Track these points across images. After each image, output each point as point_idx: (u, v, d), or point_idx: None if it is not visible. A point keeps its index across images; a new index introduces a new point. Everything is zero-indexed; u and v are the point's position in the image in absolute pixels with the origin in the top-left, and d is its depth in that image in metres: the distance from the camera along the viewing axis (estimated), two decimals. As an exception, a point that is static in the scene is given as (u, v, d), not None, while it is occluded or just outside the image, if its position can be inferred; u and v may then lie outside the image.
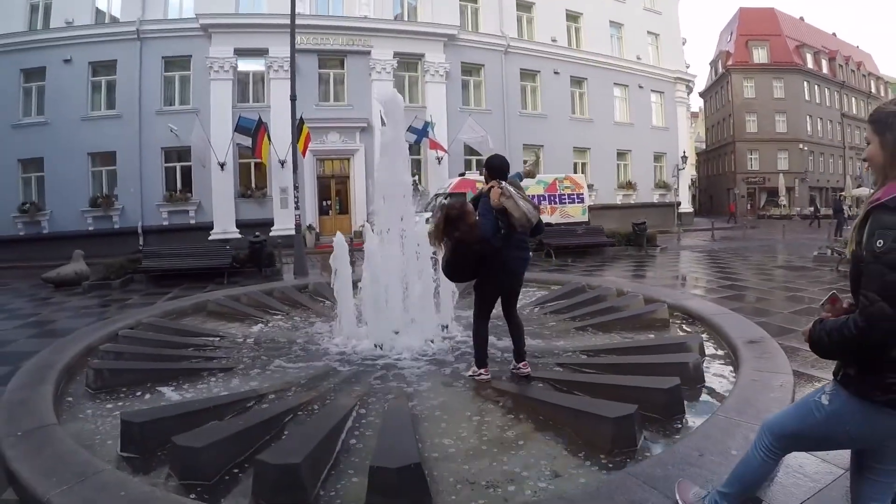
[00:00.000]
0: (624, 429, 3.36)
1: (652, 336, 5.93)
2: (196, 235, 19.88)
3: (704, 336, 5.72)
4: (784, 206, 42.49)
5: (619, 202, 28.60)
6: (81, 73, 21.75)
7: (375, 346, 5.61)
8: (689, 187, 37.42)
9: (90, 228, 21.38)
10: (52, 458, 3.16)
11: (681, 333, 6.09)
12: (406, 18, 24.52)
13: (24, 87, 22.05)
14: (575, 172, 27.23)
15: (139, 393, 4.58)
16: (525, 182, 20.64)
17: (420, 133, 21.36)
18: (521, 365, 4.58)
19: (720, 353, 5.28)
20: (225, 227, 21.26)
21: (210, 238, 20.07)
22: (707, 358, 5.03)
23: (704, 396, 4.24)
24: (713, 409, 3.80)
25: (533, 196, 19.05)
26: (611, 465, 3.18)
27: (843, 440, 1.96)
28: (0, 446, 3.36)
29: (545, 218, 19.07)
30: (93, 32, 21.82)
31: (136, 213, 21.47)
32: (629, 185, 29.23)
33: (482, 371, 4.54)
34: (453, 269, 4.47)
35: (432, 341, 5.71)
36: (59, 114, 21.45)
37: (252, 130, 19.00)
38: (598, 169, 28.01)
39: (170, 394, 4.55)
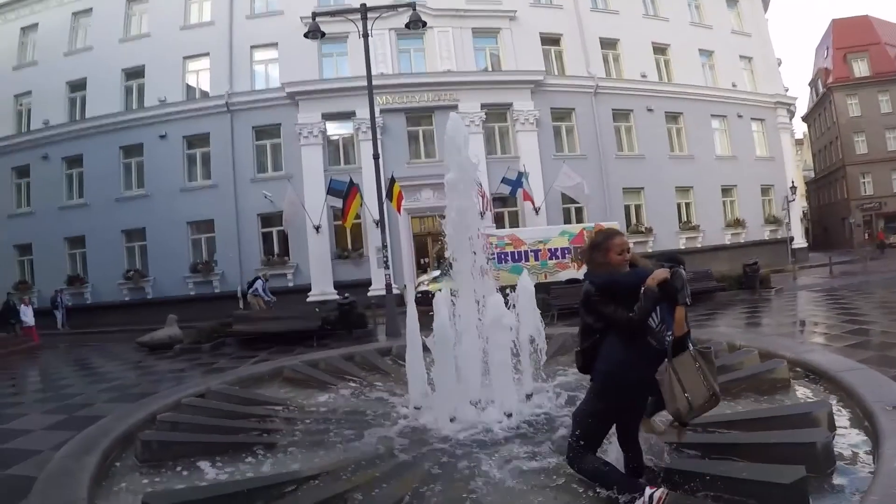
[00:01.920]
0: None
1: (768, 404, 4.94)
2: (294, 298, 19.80)
3: (833, 400, 4.73)
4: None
5: (728, 242, 26.34)
6: (176, 147, 22.76)
7: (450, 419, 4.96)
8: (801, 220, 34.36)
9: (191, 293, 22.16)
10: None
11: (804, 399, 5.07)
12: (490, 69, 23.89)
13: (124, 163, 23.43)
14: (679, 213, 25.59)
15: (179, 468, 4.34)
16: (546, 234, 18.42)
17: (514, 184, 20.39)
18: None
19: (853, 421, 4.27)
20: (322, 288, 21.12)
21: (308, 300, 19.88)
22: (838, 431, 4.05)
23: (836, 488, 3.30)
24: None
25: (556, 248, 17.97)
26: None
27: None
28: None
29: (571, 273, 17.73)
30: (185, 108, 22.88)
31: (236, 277, 21.82)
32: (737, 223, 26.92)
33: (638, 496, 2.99)
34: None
35: (510, 415, 4.97)
36: (157, 186, 22.53)
37: (343, 192, 18.62)
38: (703, 207, 26.01)
39: (209, 471, 4.25)
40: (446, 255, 16.82)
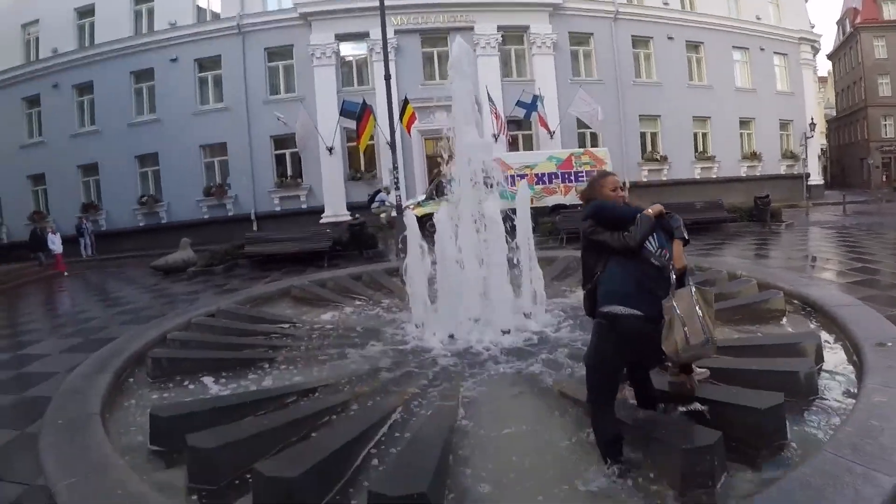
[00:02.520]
0: (698, 464, 2.65)
1: (760, 333, 4.97)
2: (308, 220, 19.86)
3: (826, 334, 4.74)
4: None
5: (744, 174, 25.98)
6: (188, 71, 22.46)
7: (449, 336, 5.13)
8: (819, 158, 33.77)
9: (205, 217, 22.14)
10: (77, 450, 3.19)
11: (796, 330, 5.05)
12: (508, -11, 23.14)
13: (136, 88, 23.16)
14: (695, 143, 25.21)
15: (188, 384, 4.47)
16: (533, 158, 17.71)
17: (529, 107, 20.14)
18: None
19: (843, 355, 4.27)
20: (336, 209, 21.13)
21: (321, 222, 19.91)
22: (825, 363, 4.12)
23: (816, 417, 3.36)
24: (822, 441, 2.97)
25: (543, 174, 17.58)
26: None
27: None
28: (41, 434, 3.47)
29: (559, 198, 17.58)
30: (196, 31, 22.45)
31: (249, 200, 21.96)
32: (754, 156, 26.50)
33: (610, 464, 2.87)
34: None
35: (508, 332, 5.13)
36: (169, 111, 22.30)
37: (357, 114, 18.44)
38: (720, 139, 25.56)
39: (212, 386, 4.40)
40: (436, 178, 16.97)
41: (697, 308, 2.80)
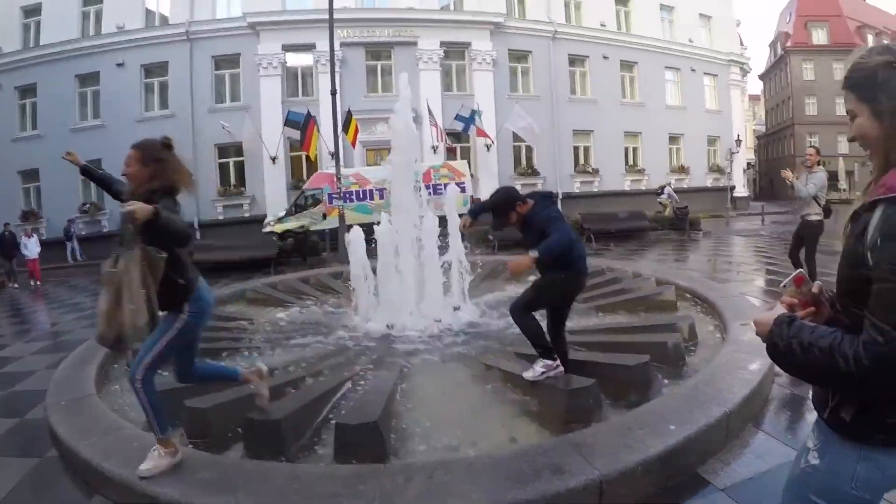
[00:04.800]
0: (579, 401, 3.60)
1: (646, 318, 6.00)
2: (250, 228, 20.09)
3: (707, 319, 5.84)
4: (844, 190, 40.27)
5: (673, 186, 27.41)
6: (134, 76, 22.28)
7: (387, 326, 5.96)
8: (745, 171, 35.93)
9: None
10: (86, 420, 3.76)
11: (680, 314, 6.04)
12: (452, 8, 24.15)
13: (80, 93, 22.72)
14: (626, 157, 26.63)
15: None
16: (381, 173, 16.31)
17: (467, 121, 21.06)
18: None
19: (716, 336, 5.28)
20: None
21: (264, 230, 20.08)
22: (700, 340, 5.16)
23: (681, 373, 4.35)
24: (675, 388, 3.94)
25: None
26: (559, 434, 3.34)
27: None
28: (47, 413, 4.02)
29: None
30: (144, 36, 22.26)
31: (192, 208, 21.45)
32: (682, 169, 28.24)
33: (552, 362, 3.92)
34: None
35: (439, 321, 6.00)
36: (114, 116, 21.93)
37: (301, 124, 18.98)
38: (650, 153, 27.13)
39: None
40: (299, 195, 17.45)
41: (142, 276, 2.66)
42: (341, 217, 14.37)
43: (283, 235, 16.27)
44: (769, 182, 52.03)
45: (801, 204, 7.03)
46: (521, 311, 3.87)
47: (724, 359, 4.16)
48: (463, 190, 17.72)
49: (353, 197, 18.14)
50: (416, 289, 6.42)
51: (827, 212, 7.00)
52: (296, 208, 18.34)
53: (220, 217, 22.15)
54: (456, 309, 6.49)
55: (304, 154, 21.30)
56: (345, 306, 7.25)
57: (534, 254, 3.56)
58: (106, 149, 21.02)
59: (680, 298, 6.55)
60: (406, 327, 5.90)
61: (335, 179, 14.77)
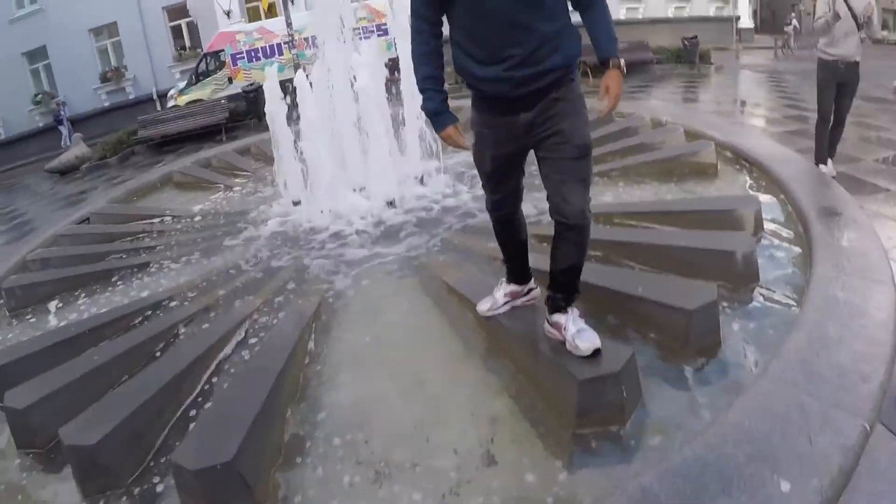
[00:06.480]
0: (592, 397, 1.96)
1: (688, 193, 4.17)
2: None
3: (763, 195, 3.87)
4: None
5: (671, 15, 24.80)
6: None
7: (321, 212, 4.46)
8: (750, 1, 32.81)
9: (105, 104, 20.41)
10: None
11: (731, 192, 4.15)
12: None
13: None
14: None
15: (49, 312, 3.86)
16: (303, 21, 14.36)
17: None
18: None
19: (786, 224, 3.45)
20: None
21: (168, 105, 17.77)
22: (765, 234, 3.28)
23: (755, 316, 2.53)
24: (760, 355, 2.25)
25: (313, 37, 16.02)
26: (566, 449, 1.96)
27: None
28: None
29: None
30: None
31: (149, 79, 20.14)
32: (683, -6, 25.34)
33: (521, 287, 2.51)
34: None
35: (392, 203, 4.41)
36: None
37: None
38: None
39: (53, 313, 3.82)
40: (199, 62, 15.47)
41: None
42: (296, 67, 12.50)
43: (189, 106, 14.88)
44: (771, 13, 48.21)
45: (843, 39, 5.11)
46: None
47: (822, 292, 2.43)
48: (385, 33, 14.94)
49: (260, 54, 16.00)
50: (361, 158, 4.87)
51: None
52: (197, 76, 16.30)
53: (181, 84, 18.96)
54: (420, 181, 4.85)
55: (258, 5, 18.87)
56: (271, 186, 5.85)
57: (615, 59, 2.11)
58: (49, 33, 20.51)
59: (718, 157, 4.71)
60: (342, 215, 4.35)
61: (235, 39, 13.05)
